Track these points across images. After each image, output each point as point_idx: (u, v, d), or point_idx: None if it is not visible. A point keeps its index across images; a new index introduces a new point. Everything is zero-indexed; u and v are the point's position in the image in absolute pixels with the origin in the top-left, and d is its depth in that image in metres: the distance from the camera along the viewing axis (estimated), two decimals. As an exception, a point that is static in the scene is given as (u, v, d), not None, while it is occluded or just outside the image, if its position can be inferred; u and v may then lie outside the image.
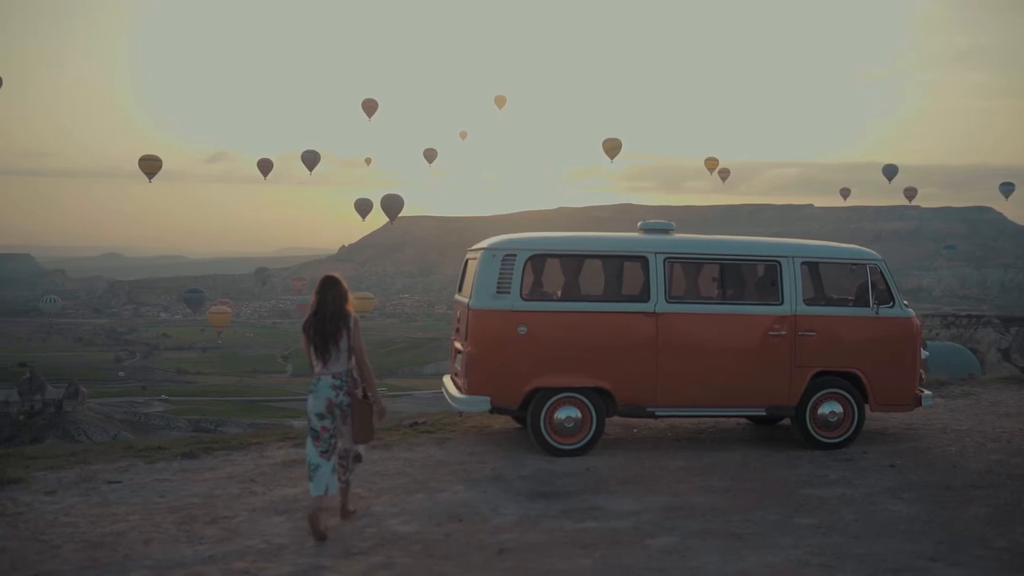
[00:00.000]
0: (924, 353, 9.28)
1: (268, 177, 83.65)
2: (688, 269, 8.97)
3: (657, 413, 8.65)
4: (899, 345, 8.96)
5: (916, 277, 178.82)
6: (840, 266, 9.23)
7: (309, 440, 6.15)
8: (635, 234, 9.07)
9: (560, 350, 8.39)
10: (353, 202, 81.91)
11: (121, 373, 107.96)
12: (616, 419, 9.14)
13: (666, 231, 9.07)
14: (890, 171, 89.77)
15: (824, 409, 8.76)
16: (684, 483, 7.52)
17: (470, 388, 8.41)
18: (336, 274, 6.52)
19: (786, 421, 9.25)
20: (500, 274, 8.37)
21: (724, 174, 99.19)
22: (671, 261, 8.66)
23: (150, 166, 70.80)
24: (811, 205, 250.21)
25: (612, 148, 77.21)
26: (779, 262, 8.77)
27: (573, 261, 8.78)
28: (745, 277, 9.07)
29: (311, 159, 77.84)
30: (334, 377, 6.18)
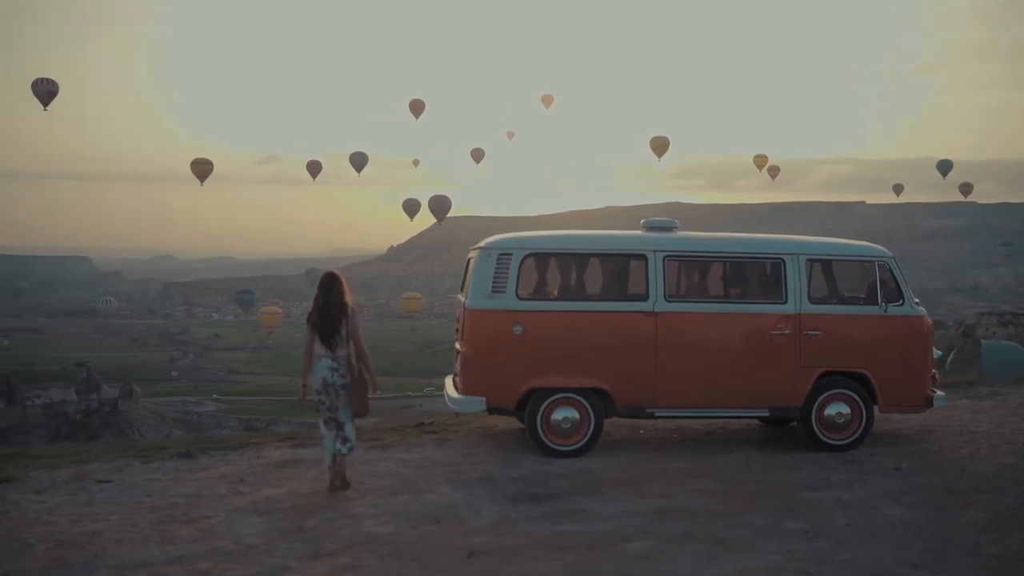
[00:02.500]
0: (936, 353, 8.99)
1: (317, 179, 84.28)
2: (689, 267, 8.80)
3: (656, 414, 8.51)
4: (909, 344, 8.69)
5: (973, 275, 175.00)
6: (848, 263, 8.98)
7: (320, 419, 7.13)
8: (635, 232, 8.91)
9: (557, 350, 8.28)
10: (401, 202, 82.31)
11: (174, 373, 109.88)
12: (624, 420, 9.02)
13: (669, 229, 8.90)
14: (944, 166, 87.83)
15: (831, 410, 8.53)
16: (678, 485, 7.37)
17: (465, 388, 8.34)
18: (336, 271, 7.33)
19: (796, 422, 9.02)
20: (495, 273, 8.28)
21: (773, 172, 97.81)
22: (671, 259, 8.50)
23: (202, 169, 71.78)
24: (863, 202, 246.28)
25: (660, 146, 76.59)
26: (783, 260, 8.55)
27: (570, 260, 8.67)
28: (748, 275, 8.88)
29: (359, 160, 78.37)
30: (333, 360, 7.02)
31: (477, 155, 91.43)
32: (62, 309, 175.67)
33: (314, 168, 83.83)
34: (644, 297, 8.37)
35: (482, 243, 8.67)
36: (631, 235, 8.82)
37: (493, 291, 8.27)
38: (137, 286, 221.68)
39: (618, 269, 8.65)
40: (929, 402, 8.75)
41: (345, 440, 7.07)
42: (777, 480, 7.58)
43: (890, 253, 8.86)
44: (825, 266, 8.92)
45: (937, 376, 9.06)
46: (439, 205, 78.22)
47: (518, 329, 8.22)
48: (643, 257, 8.43)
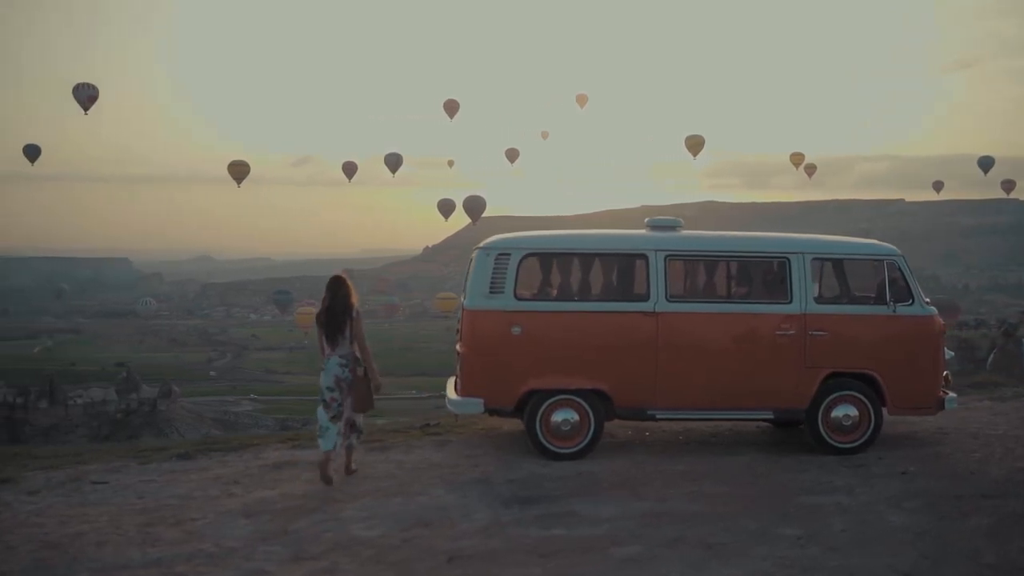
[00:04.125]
0: (948, 354, 8.76)
1: (353, 180, 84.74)
2: (691, 267, 8.66)
3: (657, 416, 8.37)
4: (919, 345, 8.47)
5: (1016, 273, 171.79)
6: (855, 262, 8.78)
7: (320, 408, 7.42)
8: (636, 231, 8.79)
9: (556, 351, 8.17)
10: (436, 203, 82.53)
11: (212, 373, 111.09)
12: (630, 423, 8.89)
13: (673, 228, 8.77)
14: (986, 163, 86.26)
15: (838, 412, 8.33)
16: (676, 488, 7.24)
17: (463, 389, 8.27)
18: (343, 274, 7.67)
19: None
20: (493, 273, 8.20)
21: (810, 170, 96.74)
22: (673, 259, 8.36)
23: (239, 171, 72.43)
24: (902, 200, 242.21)
25: (695, 145, 76.08)
26: (788, 259, 8.38)
27: (570, 260, 8.55)
28: (752, 275, 8.71)
29: (394, 161, 78.66)
30: (340, 357, 7.42)
31: (512, 155, 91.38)
32: (103, 310, 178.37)
33: (350, 169, 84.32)
34: (645, 297, 8.24)
35: (481, 243, 8.59)
36: (632, 235, 8.70)
37: (491, 291, 8.19)
38: (176, 287, 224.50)
39: (618, 269, 8.52)
40: (941, 404, 8.52)
41: (354, 427, 7.53)
42: (778, 484, 7.41)
43: (899, 251, 8.65)
44: (831, 265, 8.73)
45: (950, 377, 8.83)
46: (474, 205, 78.33)
47: (516, 330, 8.13)
48: (644, 257, 8.30)
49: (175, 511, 6.55)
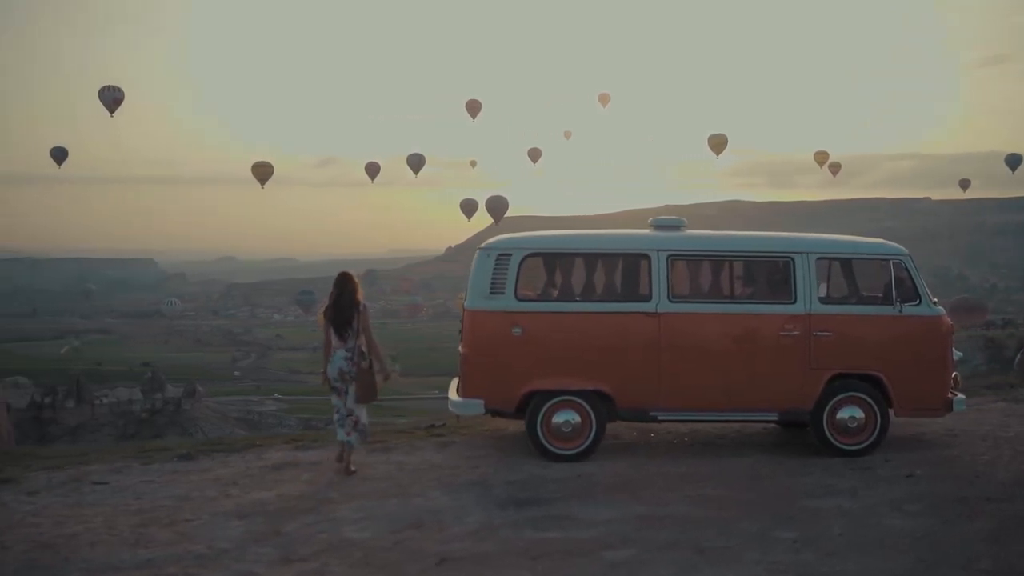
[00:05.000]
0: (957, 354, 8.62)
1: (375, 180, 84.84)
2: (693, 267, 8.57)
3: (660, 417, 8.30)
4: (926, 346, 8.35)
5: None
6: (861, 262, 8.67)
7: (333, 397, 7.76)
8: (638, 231, 8.73)
9: (557, 352, 8.13)
10: (459, 203, 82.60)
11: (237, 373, 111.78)
12: (636, 424, 8.83)
13: (676, 228, 8.69)
14: (1013, 161, 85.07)
15: (843, 414, 8.23)
16: (675, 491, 7.17)
17: (464, 390, 8.24)
18: (350, 271, 7.96)
19: None
20: (494, 274, 8.17)
21: (835, 168, 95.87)
22: (675, 259, 8.29)
23: (262, 172, 72.73)
24: (928, 198, 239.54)
25: (718, 144, 75.64)
26: (792, 259, 8.28)
27: (571, 260, 8.50)
28: (755, 275, 8.63)
29: (416, 162, 78.75)
30: (346, 351, 7.69)
31: (534, 155, 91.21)
32: (129, 310, 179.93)
33: (372, 170, 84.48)
34: (647, 297, 8.18)
35: (483, 244, 8.56)
36: (633, 234, 8.64)
37: (492, 292, 8.16)
38: (201, 287, 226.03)
39: (620, 269, 8.46)
40: (949, 406, 8.39)
41: (357, 423, 7.71)
42: (780, 486, 7.33)
43: (906, 251, 8.53)
44: (836, 265, 8.63)
45: (959, 378, 8.70)
46: (496, 205, 78.28)
47: (517, 330, 8.09)
48: (646, 257, 8.24)
49: (170, 512, 6.56)
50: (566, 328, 8.17)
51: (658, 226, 8.72)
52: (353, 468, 7.72)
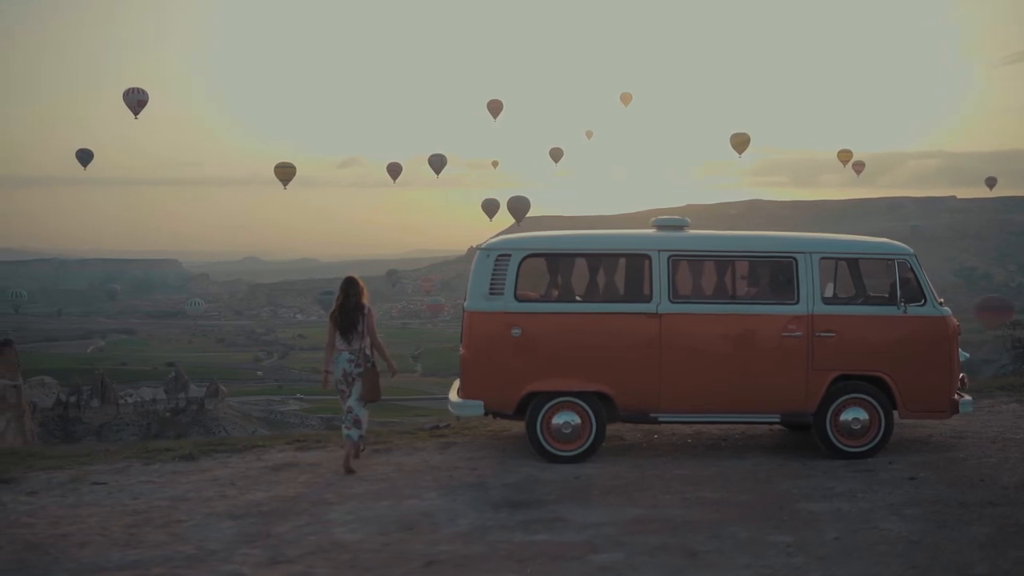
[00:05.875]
0: (963, 355, 8.50)
1: (397, 181, 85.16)
2: (695, 267, 8.49)
3: (660, 419, 8.23)
4: (931, 347, 8.23)
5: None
6: (865, 262, 8.57)
7: (340, 397, 8.10)
8: (639, 231, 8.67)
9: (557, 353, 8.08)
10: (480, 203, 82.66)
11: (259, 373, 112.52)
12: (641, 425, 8.77)
13: (679, 228, 8.63)
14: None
15: (847, 416, 8.14)
16: (672, 494, 7.11)
17: (464, 392, 8.22)
18: (355, 276, 8.19)
19: None
20: (493, 275, 8.14)
21: (859, 167, 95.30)
22: (676, 259, 8.22)
23: (285, 173, 73.18)
24: (954, 197, 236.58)
25: (740, 143, 75.36)
26: (795, 258, 8.20)
27: (570, 260, 8.46)
28: (758, 275, 8.55)
29: (438, 162, 78.96)
30: (351, 353, 7.96)
31: (556, 155, 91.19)
32: (154, 311, 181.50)
33: (394, 170, 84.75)
34: (648, 298, 8.12)
35: (482, 244, 8.53)
36: (634, 234, 8.58)
37: (491, 293, 8.13)
38: (224, 288, 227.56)
39: (621, 270, 8.41)
40: (955, 407, 8.27)
41: (357, 422, 7.94)
42: (780, 489, 7.24)
43: (911, 250, 8.42)
44: (840, 265, 8.54)
45: (966, 380, 8.58)
46: (518, 205, 78.33)
47: (516, 331, 8.05)
48: (647, 257, 8.18)
49: (164, 513, 6.58)
50: (566, 329, 8.13)
51: (660, 226, 8.66)
52: (353, 468, 7.77)
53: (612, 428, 8.58)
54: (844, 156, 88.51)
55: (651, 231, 8.60)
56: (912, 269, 8.26)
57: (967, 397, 8.41)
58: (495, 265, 8.16)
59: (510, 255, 8.19)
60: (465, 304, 8.31)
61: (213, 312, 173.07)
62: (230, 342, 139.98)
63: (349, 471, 7.72)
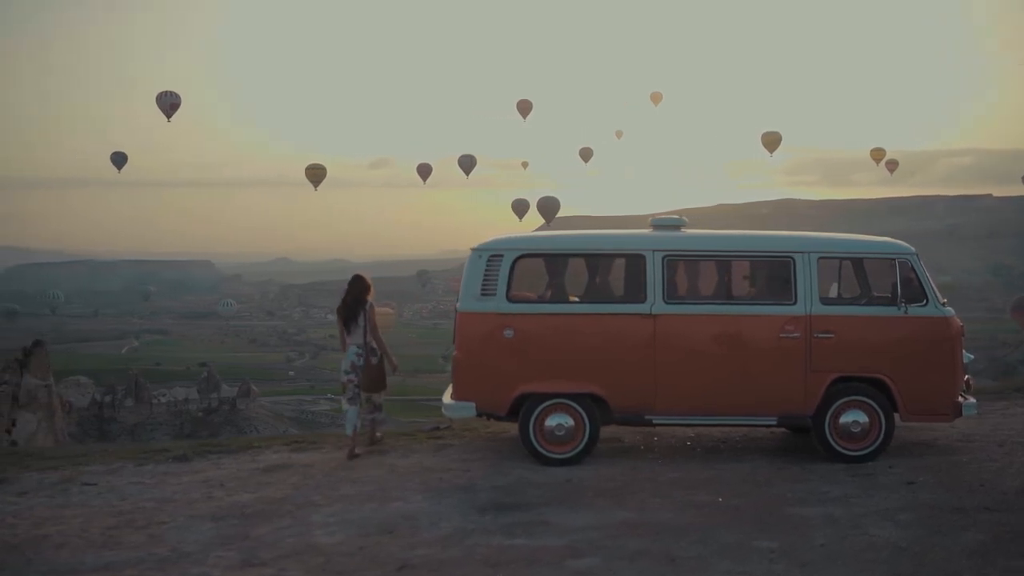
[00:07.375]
0: (967, 356, 8.29)
1: (427, 182, 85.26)
2: (691, 267, 8.37)
3: (655, 421, 8.12)
4: (933, 348, 8.03)
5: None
6: (865, 261, 8.40)
7: (343, 398, 8.64)
8: (634, 231, 8.56)
9: (550, 354, 8.00)
10: (510, 203, 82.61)
11: (291, 373, 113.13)
12: (640, 427, 8.66)
13: (676, 228, 8.50)
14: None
15: (846, 418, 7.96)
16: (662, 497, 6.99)
17: (456, 393, 8.15)
18: (362, 273, 8.81)
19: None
20: (485, 275, 8.07)
21: (892, 165, 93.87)
22: (671, 259, 8.10)
23: (316, 174, 73.46)
24: (989, 195, 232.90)
25: (771, 142, 74.61)
26: (793, 258, 8.04)
27: (564, 261, 8.36)
28: (754, 275, 8.40)
29: (468, 163, 78.91)
30: (356, 347, 8.53)
31: (586, 155, 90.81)
32: (187, 311, 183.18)
33: (424, 171, 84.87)
34: (642, 299, 8.01)
35: (475, 244, 8.46)
36: (628, 234, 8.47)
37: (483, 293, 8.06)
38: (256, 288, 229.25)
39: (615, 270, 8.32)
40: (958, 410, 8.07)
41: (376, 407, 8.75)
42: (774, 493, 7.09)
43: (913, 249, 8.23)
44: (840, 265, 8.36)
45: (971, 382, 8.37)
46: (548, 206, 78.15)
47: (509, 333, 7.98)
48: (641, 257, 8.06)
49: (148, 514, 6.57)
50: (559, 330, 8.04)
51: (657, 226, 8.54)
52: (358, 452, 8.37)
53: (610, 430, 8.48)
54: (877, 155, 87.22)
55: (646, 231, 8.49)
56: (913, 268, 8.07)
57: (971, 399, 8.20)
58: (487, 265, 8.09)
59: (502, 255, 8.11)
60: (457, 305, 8.24)
61: (245, 313, 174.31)
62: (262, 342, 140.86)
63: (353, 455, 8.29)
